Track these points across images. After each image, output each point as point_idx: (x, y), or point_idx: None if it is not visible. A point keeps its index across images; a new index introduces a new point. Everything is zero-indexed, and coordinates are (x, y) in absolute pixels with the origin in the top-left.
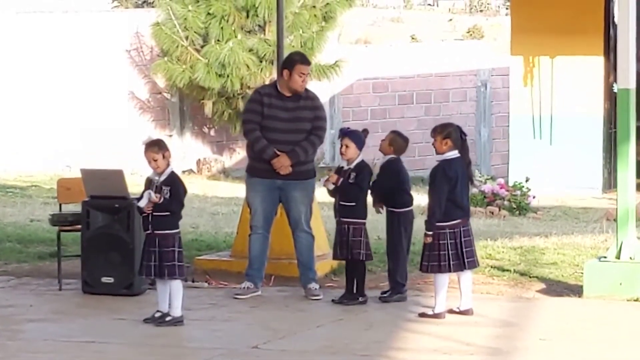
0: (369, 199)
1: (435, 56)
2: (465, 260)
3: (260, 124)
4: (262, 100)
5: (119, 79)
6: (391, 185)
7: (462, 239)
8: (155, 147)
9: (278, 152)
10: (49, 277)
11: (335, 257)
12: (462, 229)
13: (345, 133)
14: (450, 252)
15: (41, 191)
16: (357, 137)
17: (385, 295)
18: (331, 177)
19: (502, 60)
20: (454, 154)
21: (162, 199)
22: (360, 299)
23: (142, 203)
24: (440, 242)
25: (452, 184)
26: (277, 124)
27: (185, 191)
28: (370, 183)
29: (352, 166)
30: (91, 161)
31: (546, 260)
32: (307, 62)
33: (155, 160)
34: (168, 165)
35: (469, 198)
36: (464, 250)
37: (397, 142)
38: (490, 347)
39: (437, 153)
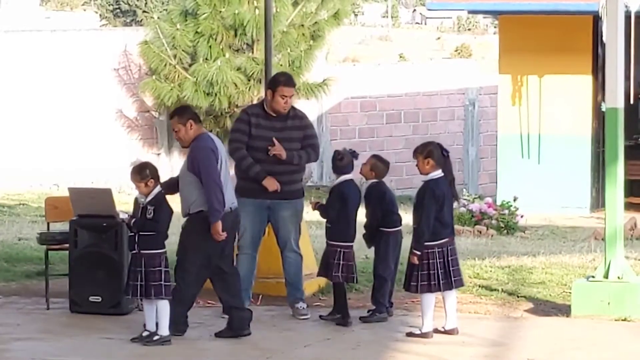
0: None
1: (423, 75)
2: (453, 279)
3: (247, 144)
4: (250, 120)
5: (107, 98)
6: (379, 209)
7: (450, 258)
8: (138, 175)
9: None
10: (37, 296)
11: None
12: (449, 247)
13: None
14: (439, 271)
15: (29, 210)
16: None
17: (365, 315)
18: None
19: (490, 79)
20: (439, 173)
21: (132, 220)
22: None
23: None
24: (430, 261)
25: (440, 204)
26: (264, 144)
27: (171, 211)
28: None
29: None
30: (79, 180)
31: (534, 280)
32: (290, 84)
33: (138, 187)
34: (155, 186)
35: (453, 216)
36: (451, 269)
37: (378, 167)
38: None
39: (421, 173)
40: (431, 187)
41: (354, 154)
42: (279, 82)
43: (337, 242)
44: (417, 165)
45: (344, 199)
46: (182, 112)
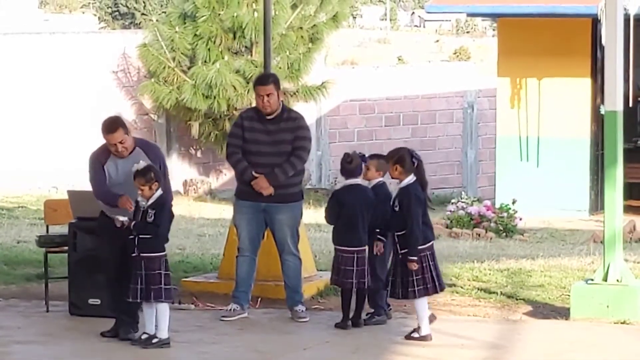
0: None
1: (422, 77)
2: (441, 280)
3: (242, 147)
4: (243, 124)
5: (106, 100)
6: (385, 209)
7: (436, 260)
8: (142, 178)
9: (256, 175)
10: (36, 298)
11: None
12: (433, 250)
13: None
14: (432, 273)
15: (28, 212)
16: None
17: (364, 318)
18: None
19: (489, 82)
20: (412, 178)
21: (132, 223)
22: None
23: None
24: (423, 265)
25: (423, 207)
26: (258, 147)
27: (171, 215)
28: None
29: None
30: (78, 182)
31: (533, 283)
32: (264, 83)
33: (142, 190)
34: (157, 190)
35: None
36: (438, 271)
37: (380, 163)
38: None
39: (392, 177)
40: (413, 192)
41: (363, 158)
42: (255, 81)
43: (337, 246)
44: (389, 170)
45: (340, 204)
46: (122, 122)
